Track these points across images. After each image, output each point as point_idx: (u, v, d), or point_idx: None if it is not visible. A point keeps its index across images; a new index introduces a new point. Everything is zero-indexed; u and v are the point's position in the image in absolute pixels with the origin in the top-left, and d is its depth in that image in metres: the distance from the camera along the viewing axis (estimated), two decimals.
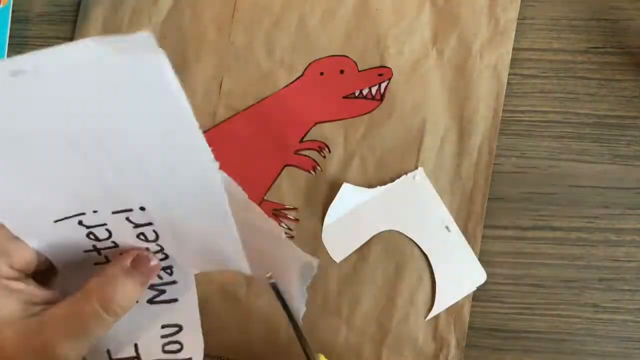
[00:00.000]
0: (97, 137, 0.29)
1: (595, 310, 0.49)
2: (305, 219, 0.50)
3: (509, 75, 0.51)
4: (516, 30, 0.51)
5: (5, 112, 0.28)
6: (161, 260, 0.35)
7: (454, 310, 0.48)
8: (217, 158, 0.49)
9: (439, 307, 0.48)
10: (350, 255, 0.49)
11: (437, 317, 0.48)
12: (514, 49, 0.51)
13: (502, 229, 0.50)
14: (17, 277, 0.31)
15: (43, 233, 0.32)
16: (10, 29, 0.51)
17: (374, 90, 0.50)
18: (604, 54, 0.51)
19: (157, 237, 0.34)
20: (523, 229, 0.50)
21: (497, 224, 0.50)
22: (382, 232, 0.49)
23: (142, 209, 0.32)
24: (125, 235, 0.33)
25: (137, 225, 0.33)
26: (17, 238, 0.31)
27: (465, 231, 0.49)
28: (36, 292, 0.32)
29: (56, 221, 0.32)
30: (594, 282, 0.49)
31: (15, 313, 0.30)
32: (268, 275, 0.35)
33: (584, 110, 0.51)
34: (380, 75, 0.50)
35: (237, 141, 0.51)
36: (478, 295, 0.49)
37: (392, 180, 0.50)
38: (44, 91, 0.27)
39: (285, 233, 0.49)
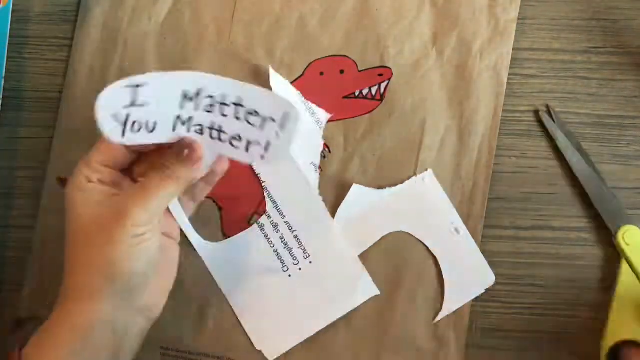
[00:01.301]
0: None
1: (595, 310, 0.49)
2: None
3: (509, 75, 0.51)
4: (516, 30, 0.51)
5: None
6: None
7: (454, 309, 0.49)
8: None
9: (448, 309, 0.48)
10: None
11: (436, 316, 0.48)
12: (514, 49, 0.51)
13: (502, 229, 0.50)
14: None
15: None
16: (10, 29, 0.51)
17: (374, 90, 0.50)
18: (604, 54, 0.51)
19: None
20: (523, 229, 0.49)
21: (497, 224, 0.50)
22: (391, 233, 0.49)
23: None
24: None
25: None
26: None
27: None
28: (121, 178, 0.42)
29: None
30: (594, 282, 0.49)
31: (104, 193, 0.41)
32: None
33: (584, 110, 0.51)
34: (380, 75, 0.50)
35: None
36: (479, 295, 0.49)
37: (393, 180, 0.49)
38: None
39: None
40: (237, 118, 0.41)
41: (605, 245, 0.49)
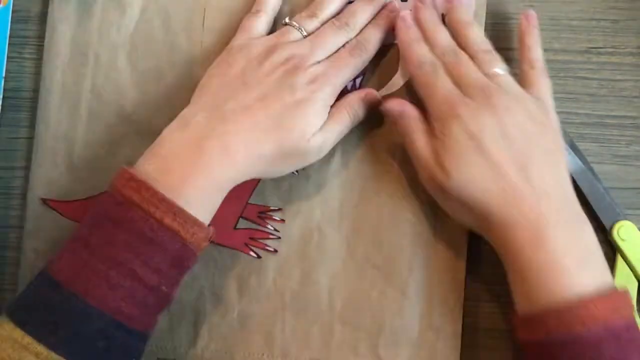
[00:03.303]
0: None
1: None
2: (291, 219, 0.50)
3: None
4: (516, 30, 0.51)
5: None
6: None
7: (448, 299, 0.48)
8: None
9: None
10: (339, 251, 0.49)
11: (431, 307, 0.48)
12: (514, 49, 0.51)
13: None
14: None
15: None
16: (10, 29, 0.51)
17: (349, 86, 0.49)
18: (604, 54, 0.51)
19: None
20: None
21: None
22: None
23: None
24: None
25: None
26: None
27: None
28: None
29: None
30: None
31: None
32: None
33: (584, 110, 0.51)
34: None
35: None
36: (478, 295, 0.49)
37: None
38: None
39: (271, 235, 0.49)
40: None
41: (602, 244, 0.49)
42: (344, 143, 0.49)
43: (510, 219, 0.42)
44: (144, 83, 0.51)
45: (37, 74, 0.52)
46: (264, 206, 0.50)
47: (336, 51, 0.48)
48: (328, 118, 0.46)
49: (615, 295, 0.41)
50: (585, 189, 0.49)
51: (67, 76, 0.51)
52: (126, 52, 0.51)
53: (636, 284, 0.48)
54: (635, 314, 0.44)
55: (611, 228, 0.48)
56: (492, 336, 0.49)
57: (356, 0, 0.49)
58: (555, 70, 0.51)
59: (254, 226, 0.50)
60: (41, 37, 0.52)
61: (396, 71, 0.50)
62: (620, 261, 0.48)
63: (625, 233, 0.48)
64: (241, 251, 0.49)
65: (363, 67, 0.48)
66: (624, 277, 0.48)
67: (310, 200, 0.50)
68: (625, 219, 0.48)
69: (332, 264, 0.49)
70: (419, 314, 0.48)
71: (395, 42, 0.50)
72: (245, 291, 0.49)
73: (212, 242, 0.47)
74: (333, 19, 0.48)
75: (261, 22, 0.49)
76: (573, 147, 0.50)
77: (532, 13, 0.48)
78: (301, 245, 0.49)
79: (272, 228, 0.50)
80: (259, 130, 0.43)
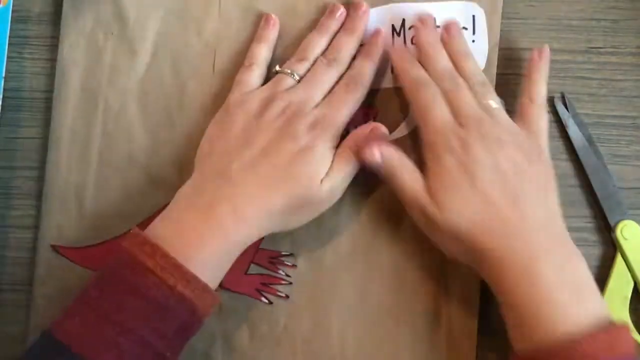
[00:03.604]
0: None
1: None
2: (302, 265, 0.49)
3: (509, 75, 0.51)
4: (516, 30, 0.51)
5: None
6: None
7: (461, 345, 0.48)
8: None
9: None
10: (351, 297, 0.49)
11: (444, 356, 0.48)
12: (513, 49, 0.51)
13: None
14: None
15: None
16: (10, 29, 0.51)
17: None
18: (604, 54, 0.51)
19: None
20: None
21: None
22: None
23: None
24: None
25: None
26: None
27: None
28: None
29: None
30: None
31: None
32: None
33: (584, 110, 0.51)
34: (366, 114, 0.49)
35: None
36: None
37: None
38: None
39: (283, 280, 0.49)
40: None
41: (605, 245, 0.49)
42: (356, 189, 0.48)
43: (502, 254, 0.42)
44: (154, 128, 0.50)
45: (37, 73, 0.52)
46: (276, 251, 0.49)
47: (331, 88, 0.47)
48: (334, 160, 0.45)
49: (610, 331, 0.39)
50: (596, 186, 0.49)
51: (77, 122, 0.51)
52: (136, 97, 0.51)
53: (632, 284, 0.48)
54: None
55: (615, 226, 0.48)
56: (491, 337, 0.48)
57: (338, 35, 0.49)
58: (555, 70, 0.51)
59: (265, 272, 0.49)
60: (41, 37, 0.52)
61: (404, 117, 0.50)
62: (619, 261, 0.48)
63: (628, 232, 0.48)
64: (252, 297, 0.49)
65: (361, 101, 0.48)
66: (621, 276, 0.48)
67: (322, 246, 0.49)
68: (630, 218, 0.48)
69: (343, 310, 0.49)
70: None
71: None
72: (256, 337, 0.48)
73: (223, 288, 0.47)
74: (321, 57, 0.49)
75: (255, 75, 0.49)
76: (589, 140, 0.50)
77: (546, 48, 0.48)
78: (313, 291, 0.49)
79: (283, 273, 0.49)
80: (267, 185, 0.43)
